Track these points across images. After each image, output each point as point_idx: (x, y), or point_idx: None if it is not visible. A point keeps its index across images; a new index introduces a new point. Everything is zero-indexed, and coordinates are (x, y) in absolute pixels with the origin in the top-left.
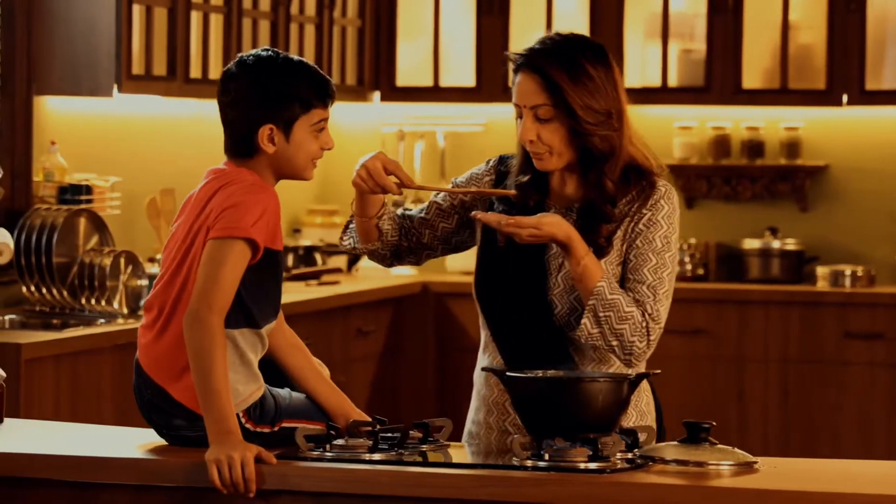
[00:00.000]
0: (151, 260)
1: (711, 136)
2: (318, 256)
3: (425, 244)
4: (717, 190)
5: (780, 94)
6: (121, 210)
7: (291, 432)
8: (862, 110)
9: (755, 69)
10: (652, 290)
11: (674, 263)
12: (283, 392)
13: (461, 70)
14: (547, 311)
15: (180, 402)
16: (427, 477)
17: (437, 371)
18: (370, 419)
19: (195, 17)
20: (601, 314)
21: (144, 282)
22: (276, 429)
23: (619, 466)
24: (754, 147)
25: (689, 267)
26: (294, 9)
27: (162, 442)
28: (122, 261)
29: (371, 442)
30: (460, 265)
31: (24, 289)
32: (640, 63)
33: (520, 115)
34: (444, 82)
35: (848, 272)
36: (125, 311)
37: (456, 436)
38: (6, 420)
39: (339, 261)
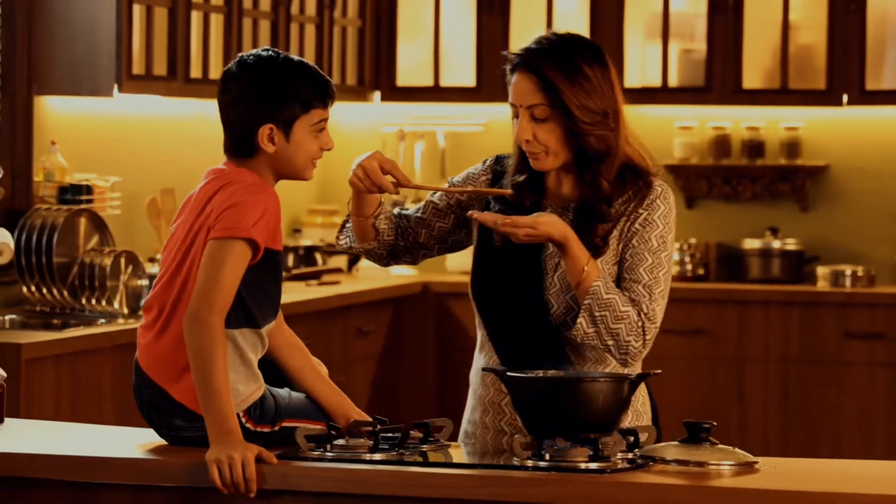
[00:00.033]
0: (152, 260)
1: (712, 136)
2: (318, 256)
3: (422, 244)
4: (717, 190)
5: (780, 94)
6: (121, 210)
7: (291, 432)
8: (862, 110)
9: (755, 69)
10: (648, 289)
11: (670, 263)
12: (283, 392)
13: (461, 70)
14: (543, 311)
15: (180, 402)
16: (428, 477)
17: (437, 371)
18: (370, 419)
19: (195, 17)
20: (597, 314)
21: (145, 282)
22: (276, 428)
23: (619, 466)
24: (754, 147)
25: (689, 267)
26: (294, 9)
27: (162, 442)
28: (123, 261)
29: (372, 442)
30: (460, 265)
31: (24, 289)
32: (640, 63)
33: (516, 115)
34: (445, 82)
35: (848, 272)
36: (125, 311)
37: (452, 435)
38: (6, 420)
39: (340, 261)
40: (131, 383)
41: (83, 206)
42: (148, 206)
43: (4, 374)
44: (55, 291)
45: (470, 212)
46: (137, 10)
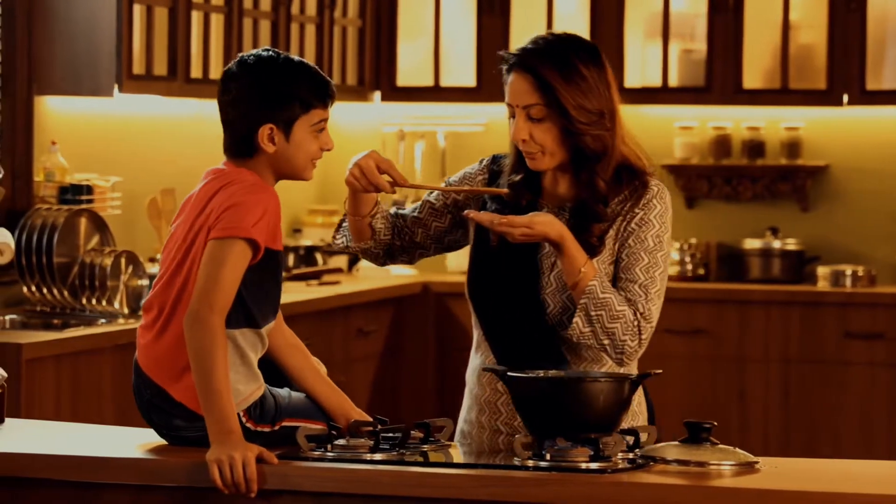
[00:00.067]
0: (152, 260)
1: (712, 136)
2: (318, 256)
3: (418, 243)
4: (717, 190)
5: (780, 94)
6: (121, 210)
7: (292, 432)
8: (862, 110)
9: (756, 69)
10: (644, 289)
11: (666, 263)
12: (283, 392)
13: (462, 70)
14: (539, 310)
15: (180, 402)
16: (428, 477)
17: (438, 371)
18: (370, 419)
19: (196, 17)
20: (593, 313)
21: (145, 282)
22: (276, 428)
23: (620, 466)
24: (755, 147)
25: (689, 267)
26: (295, 9)
27: (163, 442)
28: (123, 261)
29: (372, 442)
30: (461, 265)
31: (24, 289)
32: (640, 63)
33: (512, 115)
34: (445, 82)
35: (848, 272)
36: (126, 311)
37: (451, 435)
38: (7, 420)
39: (340, 261)
40: (131, 383)
41: (83, 206)
42: (148, 206)
43: (5, 375)
44: (55, 291)
45: (466, 211)
46: (138, 9)
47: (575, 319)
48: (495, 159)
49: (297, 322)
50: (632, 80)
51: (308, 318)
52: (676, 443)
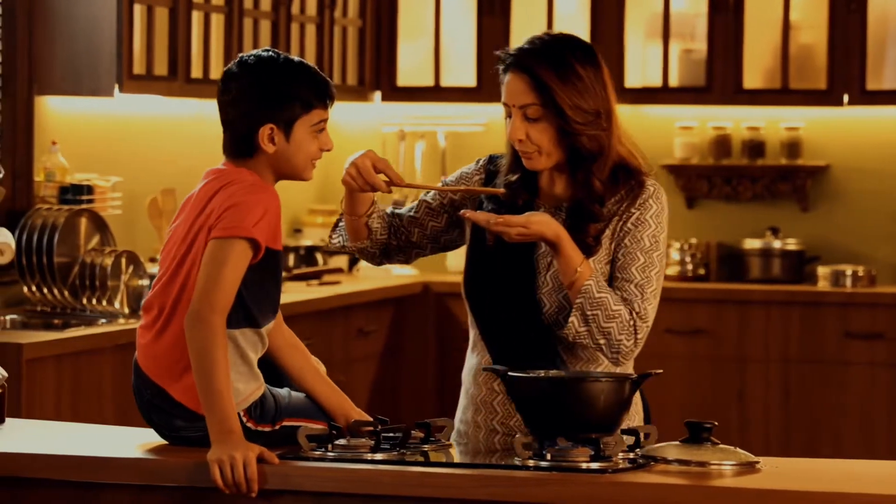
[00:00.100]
0: (153, 260)
1: (712, 136)
2: (319, 256)
3: (414, 243)
4: (717, 190)
5: (780, 94)
6: (122, 210)
7: (292, 431)
8: (863, 110)
9: (756, 69)
10: (640, 288)
11: (662, 263)
12: (283, 391)
13: (462, 70)
14: (535, 310)
15: (180, 402)
16: (429, 477)
17: (438, 371)
18: (370, 419)
19: (196, 17)
20: (589, 312)
21: (146, 282)
22: (276, 427)
23: (621, 466)
24: (755, 147)
25: (689, 267)
26: (295, 9)
27: (163, 442)
28: (124, 261)
29: (373, 442)
30: (461, 265)
31: (25, 289)
32: (640, 63)
33: (509, 115)
34: (445, 82)
35: (849, 272)
36: (126, 311)
37: None
38: (8, 420)
39: (340, 261)
40: (132, 384)
41: (84, 206)
42: (149, 206)
43: (5, 374)
44: (56, 291)
45: (462, 211)
46: (138, 9)
47: (571, 319)
48: (492, 159)
49: (297, 322)
50: (632, 80)
51: (308, 318)
52: (677, 443)
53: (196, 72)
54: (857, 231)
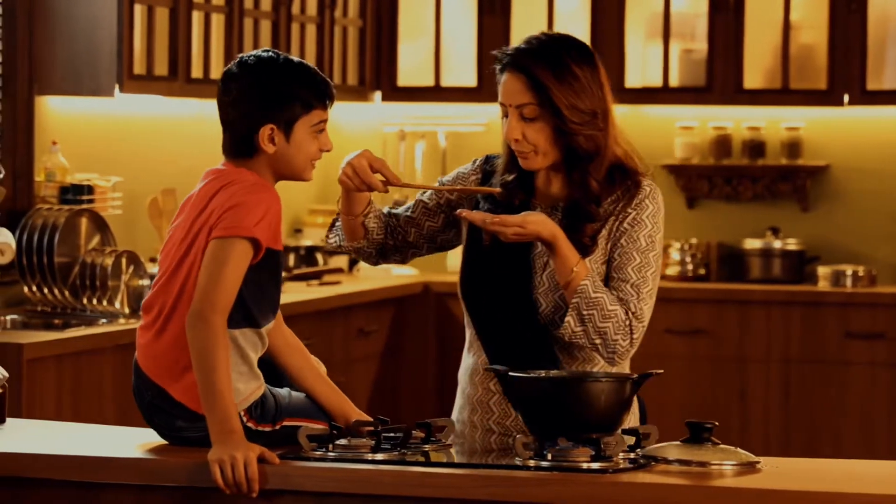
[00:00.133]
0: (153, 260)
1: (713, 136)
2: (319, 256)
3: (411, 243)
4: (718, 190)
5: (781, 94)
6: (122, 210)
7: (292, 431)
8: (863, 110)
9: (756, 69)
10: (636, 288)
11: (658, 263)
12: (283, 391)
13: (462, 70)
14: (532, 310)
15: (181, 402)
16: (429, 477)
17: (438, 371)
18: (370, 419)
19: (197, 17)
20: (585, 312)
21: (146, 282)
22: (277, 427)
23: (621, 466)
24: (755, 147)
25: (690, 267)
26: (295, 9)
27: (163, 442)
28: (124, 261)
29: (374, 442)
30: None
31: (25, 289)
32: (641, 63)
33: (505, 114)
34: (446, 82)
35: (849, 272)
36: (127, 311)
37: None
38: (8, 420)
39: (341, 261)
40: (132, 384)
41: (84, 206)
42: (149, 206)
43: (6, 375)
44: (56, 291)
45: (459, 210)
46: (139, 9)
47: (567, 319)
48: (488, 159)
49: (297, 322)
50: (632, 80)
51: (308, 318)
52: (678, 443)
53: (196, 72)
54: (857, 231)
